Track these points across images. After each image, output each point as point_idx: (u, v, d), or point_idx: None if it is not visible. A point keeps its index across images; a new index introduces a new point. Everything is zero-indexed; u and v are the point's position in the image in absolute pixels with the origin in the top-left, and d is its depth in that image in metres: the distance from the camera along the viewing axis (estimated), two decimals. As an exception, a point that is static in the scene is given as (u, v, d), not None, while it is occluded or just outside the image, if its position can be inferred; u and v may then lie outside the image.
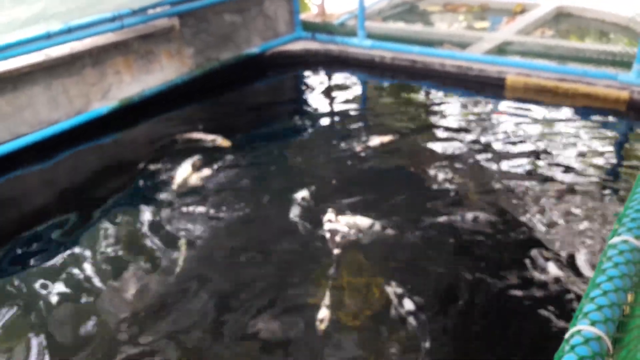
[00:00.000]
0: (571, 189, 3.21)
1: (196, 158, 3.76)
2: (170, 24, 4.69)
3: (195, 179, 3.54)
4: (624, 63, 4.37)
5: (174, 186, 3.48)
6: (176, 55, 4.88)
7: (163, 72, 4.81)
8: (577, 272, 2.55)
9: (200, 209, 3.24)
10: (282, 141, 4.12)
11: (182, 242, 2.95)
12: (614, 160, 3.53)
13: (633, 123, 4.01)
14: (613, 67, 4.46)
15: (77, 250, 2.95)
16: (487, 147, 3.77)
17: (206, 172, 3.62)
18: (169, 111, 4.67)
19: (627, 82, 4.18)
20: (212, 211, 3.21)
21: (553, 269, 2.57)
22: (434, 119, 4.29)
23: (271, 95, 5.31)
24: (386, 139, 3.90)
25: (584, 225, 2.88)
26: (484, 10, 7.26)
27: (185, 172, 3.58)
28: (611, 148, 3.69)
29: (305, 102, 4.98)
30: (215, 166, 3.70)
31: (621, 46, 5.07)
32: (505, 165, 3.53)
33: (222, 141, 4.00)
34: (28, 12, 3.08)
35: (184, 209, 3.24)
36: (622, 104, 4.14)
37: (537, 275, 2.57)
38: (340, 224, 2.96)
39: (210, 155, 3.85)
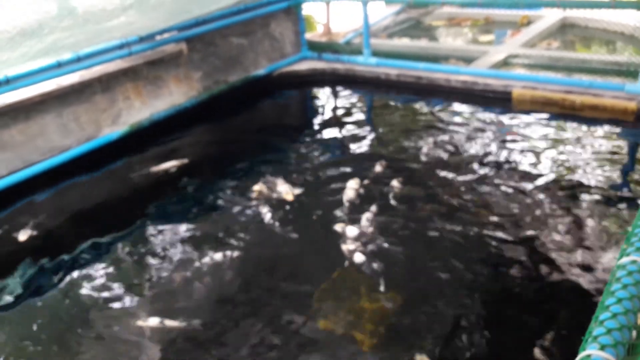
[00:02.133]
0: (581, 203, 3.19)
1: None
2: (178, 49, 4.77)
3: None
4: (630, 73, 4.36)
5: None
6: (184, 80, 4.94)
7: (172, 96, 4.87)
8: (587, 292, 2.53)
9: (211, 232, 3.28)
10: (289, 161, 4.15)
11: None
12: (623, 174, 3.50)
13: (641, 134, 3.99)
14: (620, 77, 4.45)
15: (87, 274, 2.99)
16: (494, 162, 3.76)
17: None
18: (178, 134, 4.73)
19: (634, 93, 4.16)
20: (221, 235, 3.24)
21: (561, 287, 2.55)
22: (440, 135, 4.29)
23: (279, 115, 5.35)
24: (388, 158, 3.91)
25: (593, 240, 2.86)
26: (488, 24, 7.29)
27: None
28: (620, 161, 3.67)
29: (313, 121, 5.01)
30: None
31: (627, 56, 5.07)
32: (515, 178, 3.51)
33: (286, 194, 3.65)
34: (39, 45, 3.16)
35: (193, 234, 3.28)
36: (630, 114, 4.12)
37: (546, 290, 2.55)
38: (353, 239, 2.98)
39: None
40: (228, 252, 3.07)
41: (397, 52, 5.92)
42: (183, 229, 3.36)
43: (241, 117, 5.18)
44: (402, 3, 7.15)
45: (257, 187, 3.69)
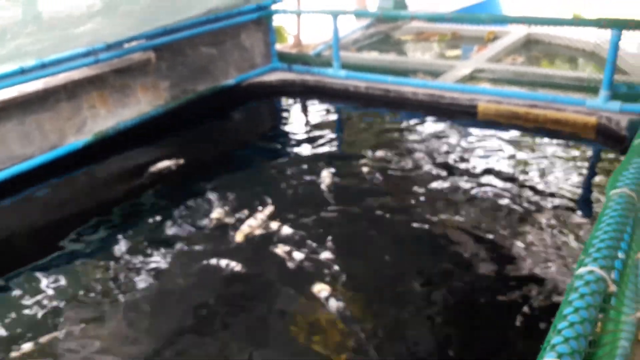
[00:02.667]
0: (539, 213, 3.26)
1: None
2: (146, 57, 4.72)
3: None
4: (591, 89, 4.50)
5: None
6: (152, 89, 4.89)
7: (139, 105, 4.81)
8: (545, 304, 2.59)
9: (170, 246, 3.22)
10: (257, 171, 4.14)
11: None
12: (583, 186, 3.61)
13: (601, 147, 4.11)
14: (581, 92, 4.59)
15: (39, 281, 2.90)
16: (458, 172, 3.82)
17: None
18: (145, 143, 4.67)
19: (594, 108, 4.30)
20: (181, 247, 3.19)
21: (519, 293, 2.60)
22: (407, 146, 4.35)
23: (247, 126, 5.34)
24: (357, 169, 3.94)
25: (550, 252, 2.93)
26: (456, 39, 7.43)
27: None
28: (580, 173, 3.77)
29: (281, 132, 5.01)
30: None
31: (588, 72, 5.23)
32: (475, 190, 3.58)
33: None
34: (1, 51, 3.08)
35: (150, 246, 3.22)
36: (591, 129, 4.25)
37: (504, 298, 2.60)
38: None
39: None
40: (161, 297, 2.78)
41: (366, 65, 5.97)
42: (115, 264, 3.08)
43: (209, 127, 5.14)
44: (371, 17, 7.24)
45: (216, 214, 3.44)
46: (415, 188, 3.68)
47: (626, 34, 4.12)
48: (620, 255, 1.56)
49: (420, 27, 7.90)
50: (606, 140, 4.14)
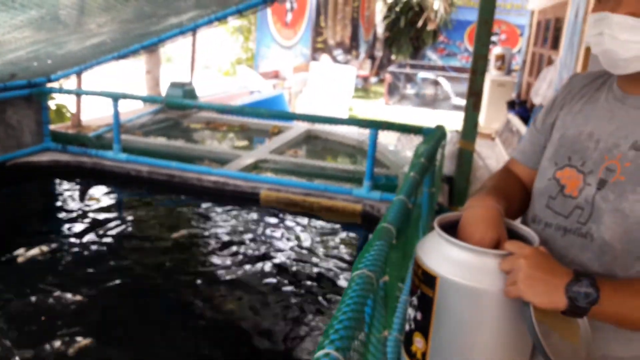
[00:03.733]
0: (302, 290, 3.41)
1: None
2: None
3: None
4: (357, 179, 5.01)
5: None
6: None
7: None
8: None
9: None
10: (13, 261, 3.62)
11: None
12: (347, 267, 3.90)
13: (366, 232, 4.54)
14: (350, 183, 5.07)
15: None
16: (239, 256, 3.84)
17: None
18: None
19: (360, 196, 4.76)
20: None
21: None
22: (189, 232, 4.26)
23: (9, 209, 4.70)
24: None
25: (304, 329, 3.05)
26: (244, 130, 7.76)
27: None
28: (347, 254, 4.09)
29: (49, 218, 4.52)
30: None
31: (355, 165, 5.86)
32: (248, 269, 3.62)
33: None
34: None
35: None
36: (357, 215, 4.68)
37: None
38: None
39: None
40: None
41: (152, 150, 5.84)
42: None
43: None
44: (156, 103, 7.22)
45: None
46: (196, 269, 3.57)
47: (383, 134, 4.76)
48: (361, 336, 1.65)
49: (210, 117, 8.10)
50: (370, 225, 4.59)
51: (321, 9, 17.04)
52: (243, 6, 5.22)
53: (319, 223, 4.61)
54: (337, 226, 4.57)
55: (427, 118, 13.14)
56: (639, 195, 1.25)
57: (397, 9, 19.82)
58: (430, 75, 16.53)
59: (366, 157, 4.82)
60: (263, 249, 4.07)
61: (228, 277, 3.61)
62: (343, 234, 4.47)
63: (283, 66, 13.75)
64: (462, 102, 6.45)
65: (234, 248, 4.04)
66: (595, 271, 1.34)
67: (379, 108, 15.27)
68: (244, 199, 4.97)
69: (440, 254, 1.24)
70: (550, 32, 8.50)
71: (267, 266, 3.81)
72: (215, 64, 16.62)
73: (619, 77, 1.37)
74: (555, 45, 7.94)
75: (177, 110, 7.90)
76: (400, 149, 6.79)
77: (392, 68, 17.61)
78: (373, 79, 19.97)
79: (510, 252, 1.19)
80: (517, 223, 1.38)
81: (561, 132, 1.44)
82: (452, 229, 1.31)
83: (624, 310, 1.14)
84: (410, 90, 16.69)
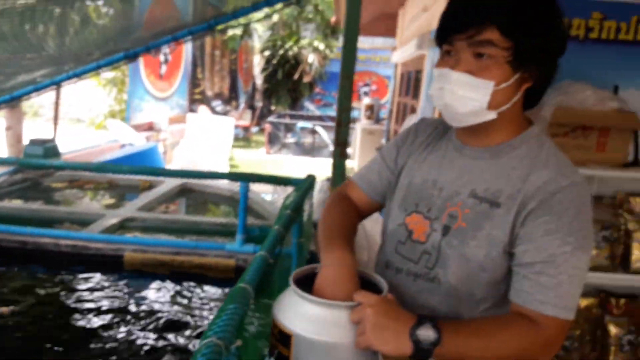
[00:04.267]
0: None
1: None
2: None
3: None
4: (230, 233, 4.89)
5: None
6: None
7: None
8: None
9: None
10: None
11: None
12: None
13: (238, 289, 4.41)
14: (225, 237, 4.94)
15: None
16: (94, 326, 3.53)
17: None
18: None
19: (233, 251, 4.64)
20: None
21: None
22: (47, 300, 3.86)
23: None
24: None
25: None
26: (111, 187, 7.34)
27: None
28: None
29: None
30: None
31: (229, 219, 5.74)
32: (120, 338, 3.33)
33: None
34: None
35: None
36: (231, 271, 4.55)
37: None
38: None
39: None
40: None
41: (4, 215, 5.30)
42: None
43: None
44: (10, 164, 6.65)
45: None
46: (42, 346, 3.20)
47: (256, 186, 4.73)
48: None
49: (75, 174, 7.58)
50: (244, 281, 4.47)
51: (198, 61, 17.01)
52: (103, 62, 5.01)
53: (190, 283, 4.40)
54: (210, 284, 4.40)
55: (306, 165, 13.42)
56: (479, 241, 1.34)
57: (274, 61, 20.35)
58: (308, 124, 17.03)
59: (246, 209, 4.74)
60: (125, 317, 3.79)
61: (83, 352, 3.29)
62: (216, 292, 4.30)
63: (158, 118, 13.40)
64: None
65: (91, 318, 3.71)
66: (444, 314, 1.41)
67: (261, 157, 15.36)
68: (107, 263, 4.63)
69: (295, 311, 1.24)
70: (411, 83, 9.16)
71: (129, 336, 3.53)
72: (87, 117, 15.80)
73: (457, 129, 1.47)
74: (415, 95, 8.55)
75: (35, 169, 7.30)
76: (277, 198, 6.81)
77: (271, 118, 17.91)
78: (254, 129, 20.15)
79: (360, 302, 1.21)
80: (369, 271, 1.41)
81: (409, 179, 1.53)
82: (310, 282, 1.33)
83: (465, 349, 1.18)
84: (290, 139, 17.03)
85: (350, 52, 4.42)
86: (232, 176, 4.73)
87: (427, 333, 1.14)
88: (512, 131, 1.40)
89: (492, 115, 1.32)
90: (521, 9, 1.24)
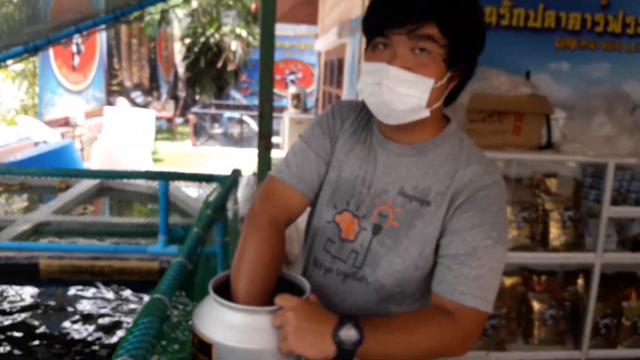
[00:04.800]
0: None
1: None
2: None
3: None
4: (152, 234, 4.68)
5: None
6: None
7: None
8: None
9: None
10: None
11: None
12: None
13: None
14: (148, 238, 4.72)
15: None
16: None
17: None
18: None
19: (156, 253, 4.46)
20: None
21: None
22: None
23: None
24: None
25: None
26: (24, 189, 6.86)
27: None
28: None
29: None
30: None
31: (151, 218, 5.51)
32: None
33: None
34: None
35: None
36: (156, 273, 4.37)
37: None
38: None
39: None
40: None
41: None
42: None
43: None
44: None
45: None
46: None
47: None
48: None
49: (-19, 177, 7.02)
50: (170, 283, 4.30)
51: (113, 51, 16.22)
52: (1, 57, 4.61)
53: (110, 288, 4.19)
54: (134, 289, 4.20)
55: (234, 157, 13.18)
56: (412, 240, 1.33)
57: (196, 49, 19.77)
58: (235, 114, 16.72)
59: (171, 209, 4.56)
60: (44, 328, 3.54)
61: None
62: (139, 298, 4.12)
63: (73, 112, 12.68)
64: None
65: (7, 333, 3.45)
66: (373, 312, 1.39)
67: (186, 149, 14.93)
68: (20, 272, 4.32)
69: (215, 319, 1.19)
70: (334, 71, 9.17)
71: (50, 351, 3.31)
72: (-3, 113, 14.70)
73: (380, 123, 1.39)
74: (339, 84, 8.56)
75: None
76: (202, 195, 6.61)
77: (196, 108, 17.42)
78: (178, 120, 19.54)
79: (281, 306, 1.17)
80: (293, 273, 1.37)
81: (337, 173, 1.44)
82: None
83: (387, 346, 1.16)
84: (217, 129, 16.67)
85: (267, 42, 4.29)
86: (150, 175, 4.52)
87: (349, 333, 1.12)
88: (435, 128, 1.39)
89: (427, 113, 1.30)
90: (456, 6, 1.23)
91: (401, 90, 1.24)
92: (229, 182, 3.71)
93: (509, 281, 3.77)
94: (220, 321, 1.18)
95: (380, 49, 1.29)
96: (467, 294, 1.24)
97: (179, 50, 21.13)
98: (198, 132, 16.07)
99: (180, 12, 19.89)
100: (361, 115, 1.48)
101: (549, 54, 3.89)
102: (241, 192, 4.36)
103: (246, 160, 11.45)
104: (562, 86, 3.87)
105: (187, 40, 20.02)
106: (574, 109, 3.63)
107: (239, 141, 15.91)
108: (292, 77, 20.90)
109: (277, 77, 21.12)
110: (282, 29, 18.62)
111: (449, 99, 1.40)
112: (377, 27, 1.28)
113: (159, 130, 16.16)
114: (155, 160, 12.77)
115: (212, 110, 17.14)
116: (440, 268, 1.32)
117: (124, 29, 17.24)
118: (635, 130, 3.45)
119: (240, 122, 16.28)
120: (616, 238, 3.79)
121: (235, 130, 16.55)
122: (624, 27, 3.85)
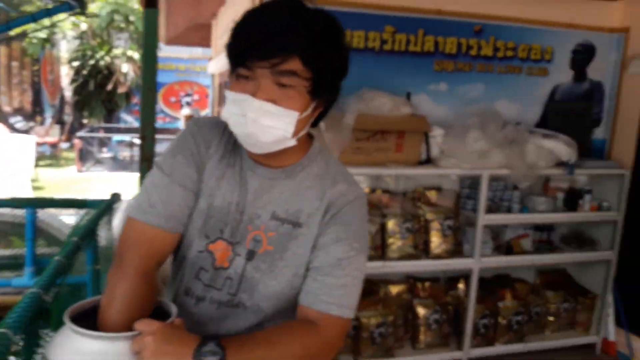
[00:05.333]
0: None
1: None
2: None
3: None
4: (19, 265, 4.25)
5: None
6: None
7: None
8: None
9: None
10: None
11: None
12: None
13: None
14: (11, 271, 4.29)
15: None
16: None
17: None
18: None
19: (22, 286, 4.03)
20: None
21: None
22: None
23: None
24: None
25: None
26: None
27: None
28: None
29: None
30: None
31: (18, 249, 5.01)
32: None
33: None
34: None
35: None
36: (21, 309, 3.93)
37: None
38: None
39: None
40: None
41: None
42: None
43: None
44: None
45: None
46: None
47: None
48: None
49: None
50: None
51: (-10, 73, 14.99)
52: None
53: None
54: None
55: (122, 181, 12.52)
56: (286, 262, 1.34)
57: (85, 72, 18.78)
58: (125, 137, 15.99)
59: (40, 237, 4.16)
60: None
61: None
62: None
63: (-59, 138, 11.46)
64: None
65: None
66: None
67: (71, 175, 14.00)
68: None
69: (71, 348, 1.14)
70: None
71: None
72: None
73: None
74: (233, 105, 8.44)
75: None
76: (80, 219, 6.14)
77: (82, 133, 16.48)
78: (64, 145, 18.36)
79: (141, 331, 1.14)
80: (161, 299, 1.34)
81: (209, 202, 1.37)
82: (94, 316, 1.25)
83: None
84: (105, 154, 15.83)
85: (150, 64, 4.15)
86: (14, 203, 4.12)
87: (210, 350, 1.11)
88: (301, 150, 1.40)
89: (293, 142, 1.30)
90: (319, 39, 1.22)
91: (266, 123, 1.22)
92: (102, 207, 3.45)
93: (395, 289, 3.89)
94: (77, 351, 1.13)
95: (243, 80, 1.25)
96: (331, 303, 1.28)
97: (66, 73, 19.95)
98: (84, 157, 15.15)
99: (69, 34, 18.90)
100: (225, 137, 1.41)
101: (429, 76, 4.07)
102: (120, 217, 4.07)
103: (134, 185, 10.89)
104: (440, 105, 4.06)
105: (75, 63, 18.96)
106: (451, 127, 3.81)
107: (129, 165, 15.18)
108: (187, 99, 20.45)
109: (173, 99, 20.62)
110: (177, 51, 18.25)
111: (316, 122, 1.41)
112: (240, 58, 1.25)
113: (41, 157, 15.02)
114: (36, 188, 11.82)
115: (101, 134, 16.27)
116: (307, 281, 1.34)
117: (3, 50, 16.07)
118: (505, 145, 3.70)
119: (131, 145, 15.58)
120: (492, 244, 4.02)
121: (125, 153, 15.81)
122: (495, 50, 4.13)
